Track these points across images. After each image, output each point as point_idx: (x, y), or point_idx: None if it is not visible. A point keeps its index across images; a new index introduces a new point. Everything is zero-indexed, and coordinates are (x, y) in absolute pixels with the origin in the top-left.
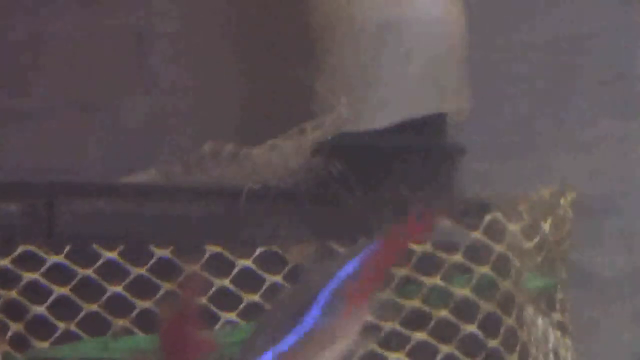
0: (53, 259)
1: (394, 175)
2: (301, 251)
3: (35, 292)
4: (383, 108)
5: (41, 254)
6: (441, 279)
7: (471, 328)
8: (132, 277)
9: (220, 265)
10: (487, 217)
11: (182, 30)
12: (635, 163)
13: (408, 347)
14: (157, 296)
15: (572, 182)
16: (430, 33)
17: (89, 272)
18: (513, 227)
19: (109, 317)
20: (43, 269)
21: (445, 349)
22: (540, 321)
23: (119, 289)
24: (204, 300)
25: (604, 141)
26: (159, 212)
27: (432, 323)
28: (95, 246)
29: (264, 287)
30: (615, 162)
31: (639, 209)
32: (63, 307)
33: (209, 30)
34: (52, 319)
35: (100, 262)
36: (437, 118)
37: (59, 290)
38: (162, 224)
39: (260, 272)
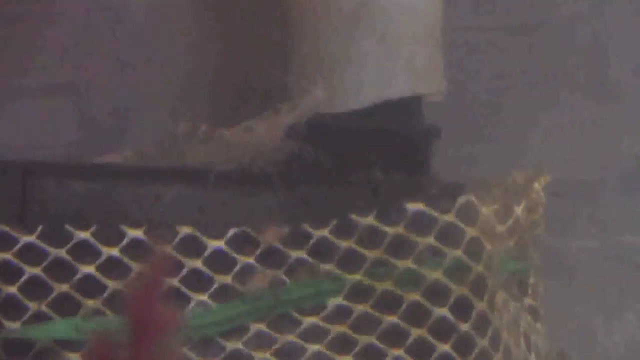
0: (25, 239)
1: (368, 157)
2: (274, 233)
3: (7, 273)
4: (358, 90)
5: (13, 234)
6: (413, 262)
7: (442, 311)
8: (103, 257)
9: (192, 247)
10: (460, 200)
11: (155, 10)
12: (610, 148)
13: (379, 330)
14: (129, 277)
15: (546, 166)
16: (405, 14)
17: (62, 252)
18: (486, 211)
19: (80, 298)
20: (15, 249)
21: (416, 332)
22: (511, 305)
23: (90, 269)
24: (175, 281)
25: (578, 125)
26: (132, 193)
27: (403, 306)
28: (67, 226)
29: (236, 269)
30: (590, 146)
31: (613, 194)
32: (34, 288)
33: (183, 11)
34: (23, 299)
35: (72, 242)
36: (412, 100)
37: (31, 271)
38: (135, 204)
39: (232, 253)
